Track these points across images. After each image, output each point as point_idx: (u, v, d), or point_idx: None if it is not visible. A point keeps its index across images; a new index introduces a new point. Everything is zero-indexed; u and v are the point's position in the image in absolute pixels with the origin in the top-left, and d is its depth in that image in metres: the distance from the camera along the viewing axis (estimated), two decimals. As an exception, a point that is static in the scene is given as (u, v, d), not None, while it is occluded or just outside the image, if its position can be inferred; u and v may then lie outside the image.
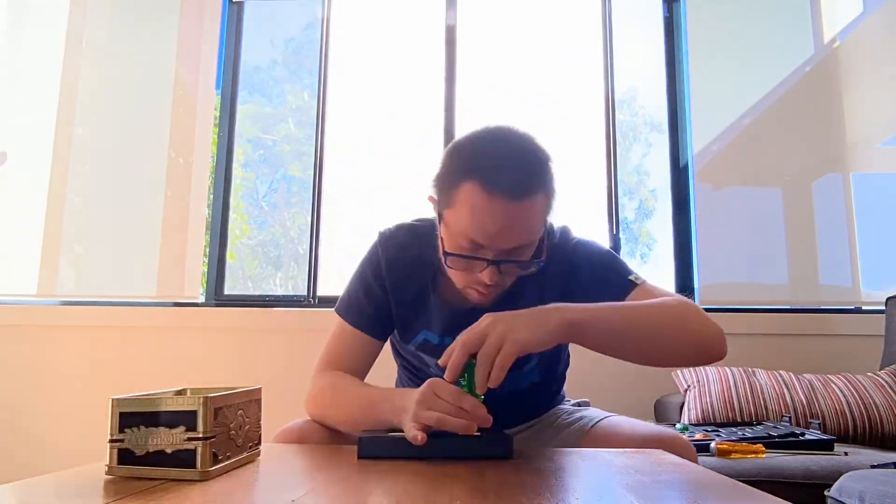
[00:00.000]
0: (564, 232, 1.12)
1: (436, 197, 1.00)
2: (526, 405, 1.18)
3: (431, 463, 0.79)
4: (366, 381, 1.10)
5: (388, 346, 1.21)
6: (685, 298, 0.98)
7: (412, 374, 1.21)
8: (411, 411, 0.83)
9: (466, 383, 0.84)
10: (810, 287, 2.42)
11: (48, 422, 2.32)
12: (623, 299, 1.00)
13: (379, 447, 0.84)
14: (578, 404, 1.26)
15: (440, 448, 0.82)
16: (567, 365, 1.25)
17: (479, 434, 0.84)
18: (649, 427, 1.03)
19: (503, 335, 0.80)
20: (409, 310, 1.10)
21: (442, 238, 0.98)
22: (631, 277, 1.03)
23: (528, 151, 0.94)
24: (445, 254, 0.96)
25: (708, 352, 0.94)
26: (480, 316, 0.88)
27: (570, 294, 1.00)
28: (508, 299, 1.01)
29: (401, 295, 1.10)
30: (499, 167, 0.90)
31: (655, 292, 1.00)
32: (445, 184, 0.96)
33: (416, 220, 1.15)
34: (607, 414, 1.13)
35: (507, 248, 0.93)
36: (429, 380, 0.86)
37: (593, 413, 1.15)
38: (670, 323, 0.92)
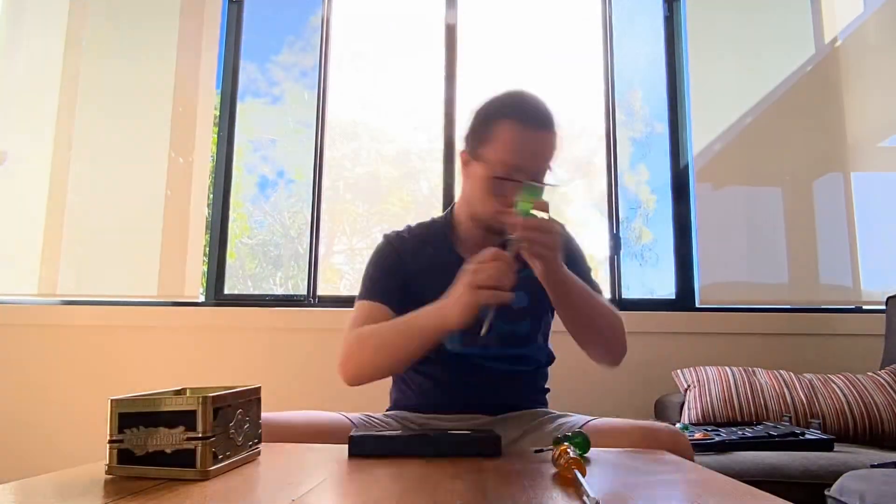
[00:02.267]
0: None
1: (468, 145, 1.20)
2: (522, 386, 1.26)
3: (431, 463, 0.79)
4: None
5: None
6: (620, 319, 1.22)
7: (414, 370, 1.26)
8: (463, 286, 0.98)
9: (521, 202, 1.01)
10: (810, 287, 2.42)
11: (48, 422, 2.32)
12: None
13: (369, 446, 0.85)
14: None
15: (430, 447, 0.84)
16: (551, 357, 1.33)
17: (468, 433, 0.88)
18: (646, 422, 1.06)
19: (554, 234, 1.03)
20: (435, 279, 1.17)
21: (478, 172, 1.16)
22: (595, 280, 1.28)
23: (545, 101, 1.18)
24: (494, 178, 1.13)
25: (616, 351, 1.21)
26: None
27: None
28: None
29: (422, 274, 1.22)
30: (526, 107, 1.15)
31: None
32: (480, 128, 1.17)
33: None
34: (592, 417, 1.16)
35: (536, 171, 1.13)
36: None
37: (580, 416, 1.19)
38: (609, 315, 1.18)
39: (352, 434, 0.87)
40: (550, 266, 1.05)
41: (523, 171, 1.12)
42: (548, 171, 1.16)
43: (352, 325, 1.19)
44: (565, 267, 1.08)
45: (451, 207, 1.32)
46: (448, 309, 0.99)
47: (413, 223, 1.33)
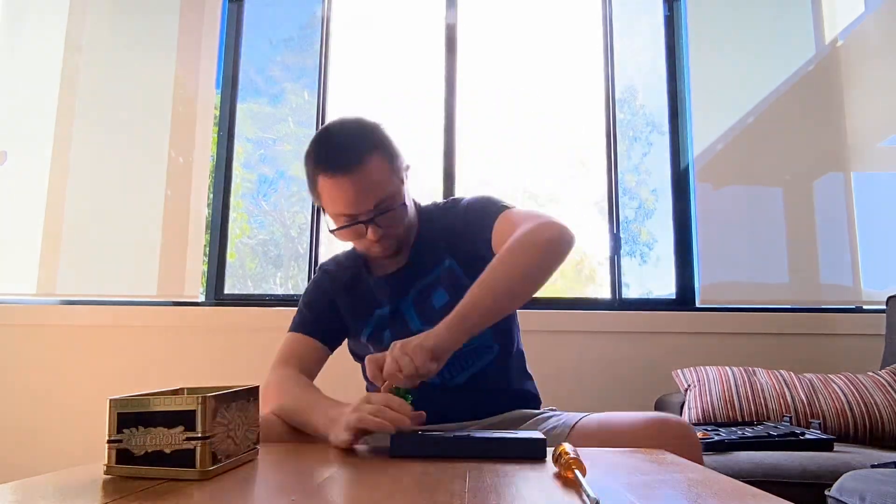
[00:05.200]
0: (451, 199, 1.29)
1: (313, 200, 1.19)
2: (494, 384, 1.23)
3: (431, 463, 0.79)
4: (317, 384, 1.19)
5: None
6: (527, 223, 1.07)
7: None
8: (343, 421, 0.91)
9: (401, 389, 0.93)
10: (811, 286, 2.42)
11: (48, 422, 2.32)
12: (490, 233, 1.14)
13: (411, 445, 0.84)
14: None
15: (474, 449, 0.83)
16: (521, 352, 1.31)
17: (513, 435, 0.86)
18: (649, 413, 1.02)
19: (409, 352, 0.93)
20: (358, 301, 1.26)
21: (328, 226, 1.18)
22: (498, 208, 1.16)
23: (350, 128, 1.14)
24: (332, 233, 1.15)
25: (560, 257, 1.05)
26: (405, 276, 1.21)
27: (457, 246, 1.20)
28: (416, 263, 1.22)
29: (346, 294, 1.27)
30: (331, 151, 1.10)
31: (514, 218, 1.12)
32: (310, 186, 1.16)
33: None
34: (586, 413, 1.13)
35: (371, 208, 1.10)
36: (365, 395, 0.94)
37: (573, 414, 1.15)
38: (520, 264, 1.02)
39: (393, 434, 0.85)
40: (442, 356, 0.95)
41: (354, 216, 1.11)
42: (388, 198, 1.11)
43: (277, 359, 1.22)
44: (447, 330, 0.96)
45: None
46: (332, 428, 0.94)
47: (345, 250, 1.35)
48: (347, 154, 1.08)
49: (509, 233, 1.08)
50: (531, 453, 0.82)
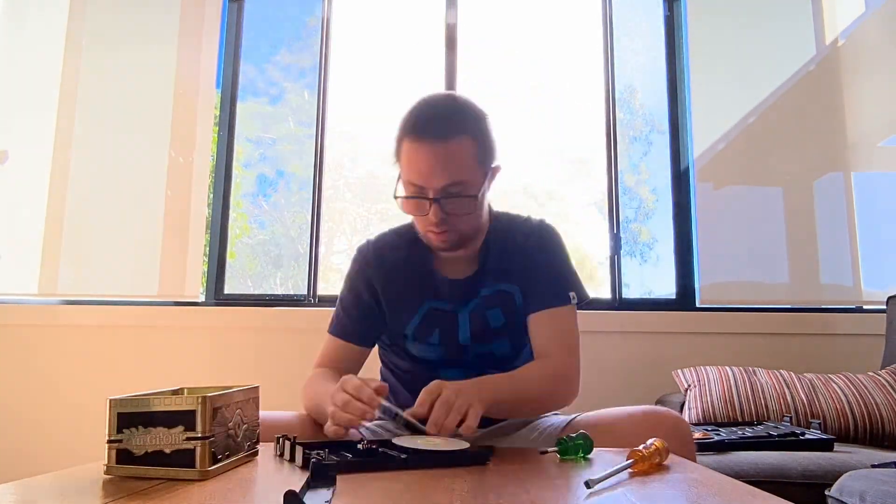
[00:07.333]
0: (527, 219, 1.26)
1: (394, 162, 1.15)
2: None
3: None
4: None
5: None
6: (563, 370, 1.15)
7: (396, 375, 1.28)
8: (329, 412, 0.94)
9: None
10: (811, 286, 2.42)
11: (48, 422, 2.32)
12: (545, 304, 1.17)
13: (335, 471, 0.73)
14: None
15: (417, 462, 0.78)
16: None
17: (461, 450, 0.83)
18: (643, 406, 1.06)
19: (461, 409, 0.93)
20: (408, 287, 1.21)
21: (396, 191, 1.13)
22: (565, 297, 1.18)
23: (451, 104, 1.12)
24: (397, 199, 1.11)
25: (556, 406, 1.21)
26: (473, 282, 1.18)
27: (527, 281, 1.18)
28: (486, 272, 1.19)
29: (395, 285, 1.21)
30: (423, 119, 1.07)
31: (569, 322, 1.18)
32: (395, 148, 1.11)
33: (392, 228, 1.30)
34: (579, 413, 1.16)
35: (442, 186, 1.06)
36: (341, 381, 0.96)
37: (565, 416, 1.19)
38: (542, 393, 1.12)
39: (313, 461, 0.73)
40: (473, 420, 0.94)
41: (426, 188, 1.06)
42: (462, 183, 1.07)
43: (316, 361, 1.25)
44: (493, 400, 1.00)
45: None
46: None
47: (395, 226, 1.28)
48: (438, 126, 1.06)
49: (554, 341, 1.15)
50: (474, 461, 0.81)
